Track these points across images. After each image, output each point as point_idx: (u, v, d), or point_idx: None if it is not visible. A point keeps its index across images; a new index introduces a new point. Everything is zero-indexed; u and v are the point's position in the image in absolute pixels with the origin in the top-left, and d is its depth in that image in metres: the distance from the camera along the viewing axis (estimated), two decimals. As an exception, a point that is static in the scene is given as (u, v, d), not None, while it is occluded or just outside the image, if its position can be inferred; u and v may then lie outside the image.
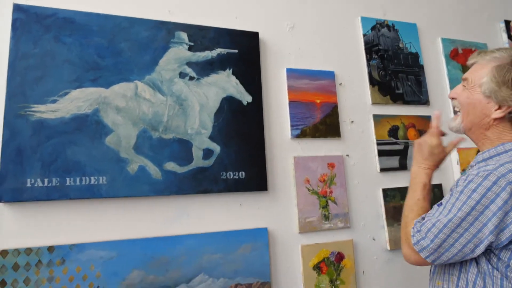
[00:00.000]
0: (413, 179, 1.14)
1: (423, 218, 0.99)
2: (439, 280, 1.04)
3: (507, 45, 2.22)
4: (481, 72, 0.99)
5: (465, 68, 2.06)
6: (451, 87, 1.98)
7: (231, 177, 1.45)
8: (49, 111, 1.26)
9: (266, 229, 1.48)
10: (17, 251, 1.17)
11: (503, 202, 0.85)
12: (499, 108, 0.97)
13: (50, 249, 1.20)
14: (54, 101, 1.27)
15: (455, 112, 1.11)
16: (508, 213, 0.85)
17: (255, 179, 1.49)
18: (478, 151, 1.07)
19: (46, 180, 1.22)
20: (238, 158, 1.47)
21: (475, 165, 1.03)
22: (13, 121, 1.22)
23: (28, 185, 1.20)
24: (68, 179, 1.25)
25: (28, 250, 1.18)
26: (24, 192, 1.19)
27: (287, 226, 1.53)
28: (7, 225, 1.19)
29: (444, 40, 2.05)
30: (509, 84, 0.95)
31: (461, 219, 0.89)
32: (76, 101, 1.30)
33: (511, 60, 0.97)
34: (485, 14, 2.26)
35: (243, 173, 1.47)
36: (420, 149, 1.16)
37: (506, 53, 0.98)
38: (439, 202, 1.01)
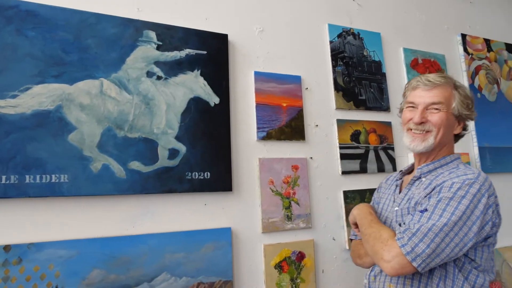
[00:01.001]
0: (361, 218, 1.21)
1: (406, 229, 0.98)
2: (391, 283, 1.09)
3: (462, 57, 2.36)
4: (447, 96, 1.13)
5: (424, 78, 2.18)
6: (411, 95, 2.09)
7: (196, 177, 1.47)
8: (9, 106, 1.23)
9: (229, 228, 1.51)
10: (-30, 250, 1.13)
11: (483, 206, 0.97)
12: (459, 124, 1.17)
13: (6, 248, 1.17)
14: (14, 96, 1.24)
15: (417, 134, 1.15)
16: (485, 216, 0.97)
17: (220, 179, 1.51)
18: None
19: (3, 177, 1.19)
20: (204, 158, 1.49)
21: (422, 176, 1.14)
22: (-31, 115, 1.18)
23: (-16, 182, 1.16)
24: (27, 176, 1.22)
25: (-18, 249, 1.15)
26: (-21, 189, 1.16)
27: (250, 226, 1.57)
28: (-40, 223, 1.15)
29: (405, 50, 2.15)
30: (469, 104, 1.15)
31: (454, 223, 0.94)
32: (38, 97, 1.27)
33: (454, 83, 1.17)
34: (444, 27, 2.39)
35: (208, 173, 1.49)
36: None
37: (449, 78, 1.16)
38: (421, 209, 1.01)
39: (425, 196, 1.07)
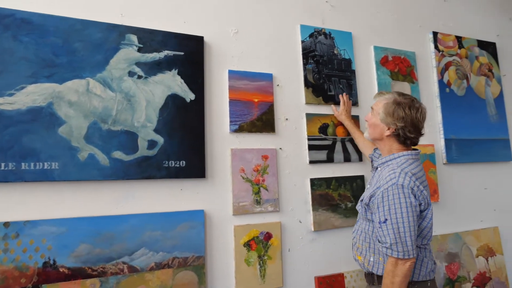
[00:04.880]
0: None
1: (390, 244, 1.40)
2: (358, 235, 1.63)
3: (433, 54, 2.51)
4: (379, 106, 1.58)
5: (393, 73, 2.34)
6: (379, 90, 2.25)
7: (173, 165, 1.66)
8: (6, 103, 1.42)
9: (202, 211, 1.70)
10: (-25, 226, 1.34)
11: (414, 198, 1.41)
12: (388, 129, 1.55)
13: (6, 224, 1.38)
14: (11, 95, 1.43)
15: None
16: (416, 201, 1.42)
17: (194, 167, 1.70)
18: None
19: (3, 164, 1.39)
20: (180, 149, 1.68)
21: (379, 166, 1.62)
22: (-28, 111, 1.37)
23: (-14, 168, 1.37)
24: (23, 163, 1.42)
25: (-14, 225, 1.36)
26: (-18, 174, 1.36)
27: (222, 209, 1.77)
28: (-33, 203, 1.36)
29: (376, 48, 2.31)
30: (391, 114, 1.53)
31: (407, 220, 1.39)
32: (32, 95, 1.46)
33: (393, 100, 1.54)
34: (417, 25, 2.53)
35: (184, 162, 1.68)
36: None
37: (390, 95, 1.58)
38: (379, 220, 1.43)
39: (371, 197, 1.51)
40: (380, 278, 1.52)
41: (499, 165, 2.64)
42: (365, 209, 1.57)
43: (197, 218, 1.69)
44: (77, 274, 1.46)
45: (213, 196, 1.76)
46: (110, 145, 1.57)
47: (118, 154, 1.57)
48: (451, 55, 2.59)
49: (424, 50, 2.51)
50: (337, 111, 2.08)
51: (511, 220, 2.62)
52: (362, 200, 1.60)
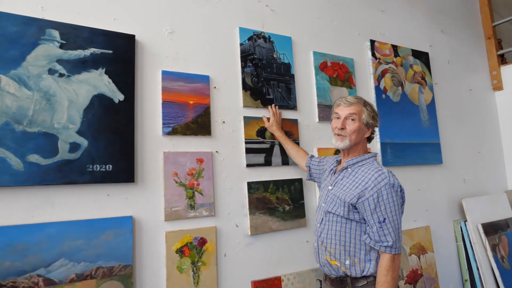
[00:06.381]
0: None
1: (392, 243, 1.48)
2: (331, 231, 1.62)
3: (370, 61, 2.61)
4: (359, 111, 1.64)
5: (331, 79, 2.39)
6: (318, 95, 2.30)
7: (98, 169, 1.57)
8: None
9: (131, 217, 1.62)
10: None
11: (401, 195, 1.54)
12: (368, 130, 1.67)
13: None
14: None
15: (339, 135, 1.65)
16: (400, 198, 1.55)
17: (122, 171, 1.62)
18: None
19: None
20: (106, 152, 1.59)
21: (349, 167, 1.66)
22: None
23: None
24: None
25: None
26: None
27: (153, 215, 1.69)
28: None
29: (315, 53, 2.35)
30: (374, 116, 1.67)
31: (399, 217, 1.52)
32: None
33: (364, 101, 1.67)
34: (356, 33, 2.61)
35: (110, 166, 1.59)
36: None
37: (359, 99, 1.67)
38: (379, 220, 1.50)
39: (359, 197, 1.52)
40: (355, 280, 1.55)
41: (431, 168, 2.79)
42: (349, 208, 1.55)
43: (125, 225, 1.60)
44: (-17, 290, 1.32)
45: (143, 202, 1.68)
46: (25, 148, 1.44)
47: (34, 158, 1.45)
48: (387, 63, 2.70)
49: (362, 57, 2.60)
50: (268, 122, 2.05)
51: (441, 220, 2.77)
52: (343, 200, 1.57)
